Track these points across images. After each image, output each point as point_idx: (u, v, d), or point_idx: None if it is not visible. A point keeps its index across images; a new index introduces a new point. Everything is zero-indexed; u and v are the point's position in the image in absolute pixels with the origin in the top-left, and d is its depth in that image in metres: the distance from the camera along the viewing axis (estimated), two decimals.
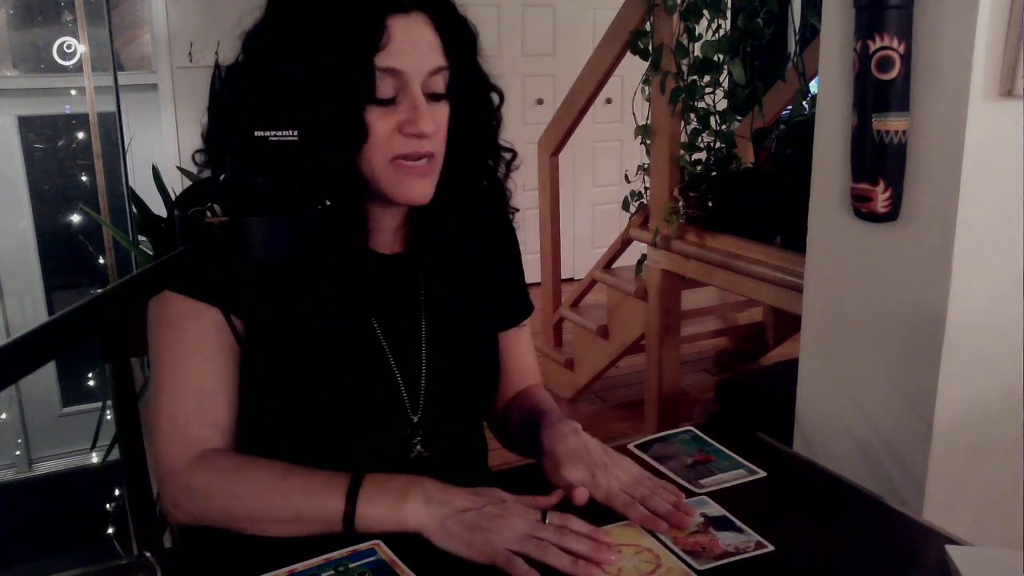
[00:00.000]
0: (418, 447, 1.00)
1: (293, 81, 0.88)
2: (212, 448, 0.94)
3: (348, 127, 0.90)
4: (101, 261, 2.80)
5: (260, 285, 0.95)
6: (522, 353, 1.18)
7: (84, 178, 2.94)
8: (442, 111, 0.95)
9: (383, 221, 1.00)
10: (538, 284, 3.67)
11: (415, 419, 1.00)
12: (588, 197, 5.07)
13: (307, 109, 0.86)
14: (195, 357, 0.94)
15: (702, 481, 0.97)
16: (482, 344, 1.10)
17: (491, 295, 1.11)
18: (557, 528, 0.83)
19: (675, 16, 2.48)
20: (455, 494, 0.86)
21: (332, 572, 0.79)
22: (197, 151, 0.97)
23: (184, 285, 0.93)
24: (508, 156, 1.07)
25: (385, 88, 0.90)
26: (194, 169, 1.00)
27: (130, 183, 2.51)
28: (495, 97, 1.03)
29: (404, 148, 0.91)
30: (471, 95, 0.99)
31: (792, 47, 2.55)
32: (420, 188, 0.94)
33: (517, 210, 1.14)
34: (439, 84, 0.94)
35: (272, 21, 0.93)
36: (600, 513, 0.88)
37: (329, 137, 0.87)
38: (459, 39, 0.96)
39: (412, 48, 0.90)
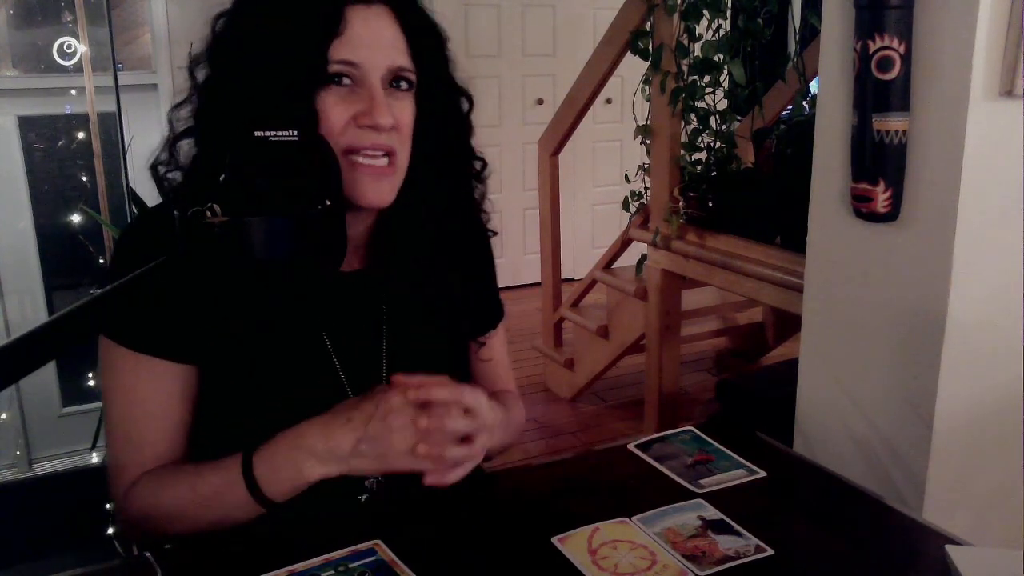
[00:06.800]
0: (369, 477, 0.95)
1: (247, 64, 0.86)
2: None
3: (297, 110, 0.85)
4: (101, 261, 2.80)
5: (209, 313, 0.90)
6: (493, 361, 1.12)
7: (84, 178, 2.95)
8: (405, 107, 0.91)
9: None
10: (538, 284, 3.67)
11: None
12: (588, 197, 5.07)
13: (258, 92, 0.84)
14: (134, 406, 0.92)
15: (702, 481, 0.97)
16: (450, 363, 1.02)
17: (462, 305, 1.05)
18: (432, 417, 0.83)
19: (675, 16, 2.48)
20: (339, 435, 0.84)
21: (332, 572, 0.79)
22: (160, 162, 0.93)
23: (122, 335, 0.90)
24: (478, 166, 1.03)
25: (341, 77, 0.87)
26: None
27: (130, 183, 2.51)
28: (464, 103, 1.00)
29: (360, 140, 0.87)
30: (439, 99, 0.95)
31: (792, 47, 2.55)
32: (377, 190, 0.89)
33: (495, 233, 1.10)
34: (402, 80, 0.90)
35: (241, 5, 0.91)
36: (596, 512, 0.88)
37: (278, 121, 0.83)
38: (426, 38, 0.93)
39: (371, 41, 0.87)
